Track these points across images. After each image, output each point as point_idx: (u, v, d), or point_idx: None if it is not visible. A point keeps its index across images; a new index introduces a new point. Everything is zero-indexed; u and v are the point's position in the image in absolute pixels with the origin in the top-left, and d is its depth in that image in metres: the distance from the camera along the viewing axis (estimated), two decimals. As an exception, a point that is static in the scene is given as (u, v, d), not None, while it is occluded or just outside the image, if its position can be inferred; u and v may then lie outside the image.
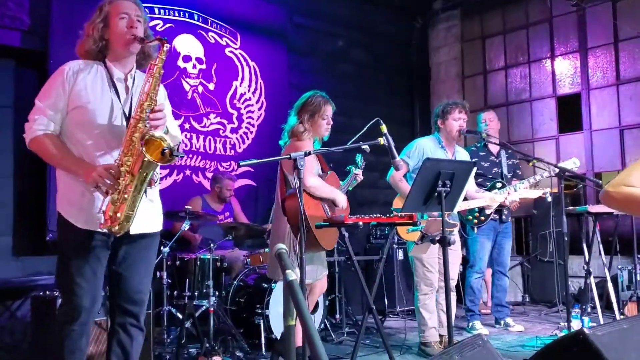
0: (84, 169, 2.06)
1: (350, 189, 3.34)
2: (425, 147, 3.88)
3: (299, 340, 2.74)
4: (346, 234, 2.82)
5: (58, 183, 2.20)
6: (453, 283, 3.86)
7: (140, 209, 2.10)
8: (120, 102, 2.18)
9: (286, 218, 2.86)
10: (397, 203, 3.89)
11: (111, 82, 2.18)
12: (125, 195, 2.02)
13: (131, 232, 2.13)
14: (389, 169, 3.73)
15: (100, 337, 3.08)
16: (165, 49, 2.11)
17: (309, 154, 2.39)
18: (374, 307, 2.79)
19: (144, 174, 2.03)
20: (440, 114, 3.96)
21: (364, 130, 2.68)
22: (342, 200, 3.10)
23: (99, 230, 2.08)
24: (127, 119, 2.16)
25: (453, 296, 3.82)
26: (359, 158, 3.29)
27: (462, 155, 4.09)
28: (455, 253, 3.89)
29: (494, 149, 4.71)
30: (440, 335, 3.82)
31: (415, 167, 3.80)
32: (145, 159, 1.99)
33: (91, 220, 2.10)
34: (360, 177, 3.25)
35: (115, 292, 2.22)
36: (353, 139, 2.70)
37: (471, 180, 3.94)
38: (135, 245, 2.20)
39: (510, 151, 4.74)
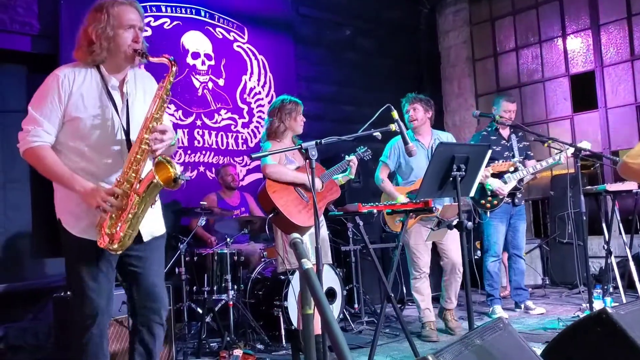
0: (80, 187, 2.02)
1: (352, 177, 3.48)
2: (399, 146, 4.02)
3: (317, 329, 2.75)
4: (360, 222, 2.81)
5: (55, 190, 2.17)
6: (460, 266, 3.98)
7: (150, 215, 2.12)
8: (117, 112, 2.12)
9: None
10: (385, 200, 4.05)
11: (107, 91, 2.12)
12: (129, 215, 2.01)
13: (144, 240, 2.15)
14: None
15: (122, 335, 3.12)
16: (173, 70, 2.09)
17: (320, 143, 2.38)
18: (392, 295, 2.78)
19: (149, 196, 2.03)
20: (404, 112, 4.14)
21: (375, 117, 2.66)
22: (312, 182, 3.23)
23: (91, 238, 2.07)
24: (126, 131, 2.13)
25: (460, 277, 4.03)
26: (360, 148, 3.53)
27: (444, 137, 4.16)
28: (452, 236, 3.96)
29: (505, 133, 4.66)
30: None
31: (396, 167, 4.11)
32: (154, 182, 1.99)
33: (88, 230, 2.08)
34: (354, 163, 3.42)
35: (133, 291, 2.22)
36: (364, 127, 2.68)
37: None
38: (148, 247, 2.20)
39: (520, 134, 4.68)
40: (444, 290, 4.10)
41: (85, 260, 2.09)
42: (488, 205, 4.45)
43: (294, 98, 3.49)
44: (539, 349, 2.27)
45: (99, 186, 2.04)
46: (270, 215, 3.15)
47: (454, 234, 3.87)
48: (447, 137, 4.22)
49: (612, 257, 4.49)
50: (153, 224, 2.21)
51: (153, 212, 2.19)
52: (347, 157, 3.45)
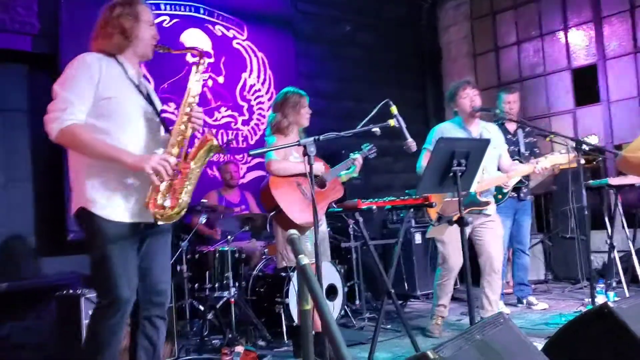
0: (131, 157, 2.06)
1: (356, 175, 3.38)
2: (444, 131, 3.85)
3: (318, 326, 2.75)
4: (360, 219, 2.80)
5: (81, 178, 2.14)
6: (498, 264, 3.78)
7: None
8: (142, 97, 2.22)
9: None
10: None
11: (128, 77, 2.21)
12: (187, 183, 2.13)
13: (160, 222, 2.15)
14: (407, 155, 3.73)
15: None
16: (204, 60, 2.32)
17: (319, 139, 2.37)
18: (392, 291, 2.78)
19: (204, 159, 2.18)
20: (450, 98, 3.94)
21: (373, 112, 2.64)
22: (316, 170, 3.18)
23: (134, 221, 2.12)
24: (157, 113, 2.24)
25: (497, 278, 3.79)
26: (365, 146, 3.39)
27: (492, 129, 3.97)
28: (493, 231, 3.80)
29: (511, 127, 4.64)
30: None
31: None
32: (210, 144, 2.15)
33: (124, 212, 2.11)
34: (359, 162, 3.34)
35: (139, 287, 2.22)
36: (362, 123, 2.66)
37: (505, 156, 3.94)
38: (157, 238, 2.24)
39: (527, 129, 4.65)
40: (482, 296, 3.82)
41: (119, 248, 2.09)
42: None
43: (298, 90, 3.38)
44: (540, 344, 2.26)
45: (152, 155, 2.11)
46: (272, 213, 3.10)
47: (492, 226, 3.77)
48: (493, 128, 4.03)
49: (615, 252, 4.48)
50: None
51: None
52: (352, 155, 3.35)
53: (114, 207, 2.09)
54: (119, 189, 2.10)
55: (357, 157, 3.33)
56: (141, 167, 2.03)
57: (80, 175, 2.14)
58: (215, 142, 2.16)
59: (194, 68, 2.29)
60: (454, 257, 3.76)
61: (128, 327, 2.26)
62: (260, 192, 3.24)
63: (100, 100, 2.10)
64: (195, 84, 2.27)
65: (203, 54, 2.29)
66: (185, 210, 2.15)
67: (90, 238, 2.12)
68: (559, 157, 3.75)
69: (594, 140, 3.88)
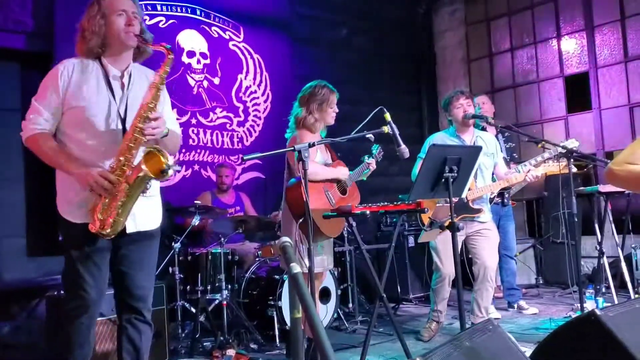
0: (76, 170, 2.08)
1: (365, 179, 3.32)
2: (437, 141, 3.91)
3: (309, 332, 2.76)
4: (354, 223, 2.82)
5: (57, 182, 2.23)
6: (491, 272, 3.77)
7: (138, 207, 2.14)
8: (115, 101, 2.19)
9: (288, 208, 2.92)
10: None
11: (107, 80, 2.19)
12: (119, 203, 2.06)
13: (127, 231, 2.16)
14: (401, 159, 3.75)
15: (115, 334, 3.12)
16: (169, 58, 2.15)
17: (313, 145, 2.39)
18: (384, 295, 2.80)
19: (140, 185, 2.07)
20: (445, 107, 4.01)
21: (367, 119, 2.67)
22: (342, 174, 3.15)
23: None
24: (123, 119, 2.18)
25: (490, 286, 3.78)
26: (374, 148, 3.31)
27: (487, 138, 4.00)
28: (488, 239, 3.80)
29: (491, 132, 4.67)
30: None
31: None
32: (141, 175, 2.03)
33: (88, 217, 2.12)
34: (373, 166, 3.26)
35: (118, 290, 2.27)
36: (357, 129, 2.68)
37: (501, 164, 3.98)
38: (136, 243, 2.22)
39: (507, 134, 4.70)
40: (472, 302, 3.85)
41: (83, 250, 2.13)
42: None
43: (328, 84, 3.21)
44: (530, 350, 2.29)
45: (94, 169, 2.09)
46: (300, 221, 2.86)
47: (487, 235, 3.78)
48: (489, 137, 4.05)
49: (605, 258, 4.52)
50: (143, 216, 2.22)
51: (145, 205, 2.22)
52: (366, 159, 3.26)
53: (77, 211, 2.13)
54: (79, 194, 2.12)
55: (372, 162, 3.26)
56: (80, 181, 2.07)
57: (57, 178, 2.22)
58: (143, 173, 2.03)
59: (156, 77, 2.16)
60: (447, 264, 3.79)
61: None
62: (288, 194, 2.96)
63: (69, 109, 2.14)
64: (153, 94, 2.13)
65: (170, 52, 2.17)
66: (119, 230, 2.09)
67: (63, 241, 2.20)
68: (550, 167, 3.83)
69: (572, 144, 3.92)
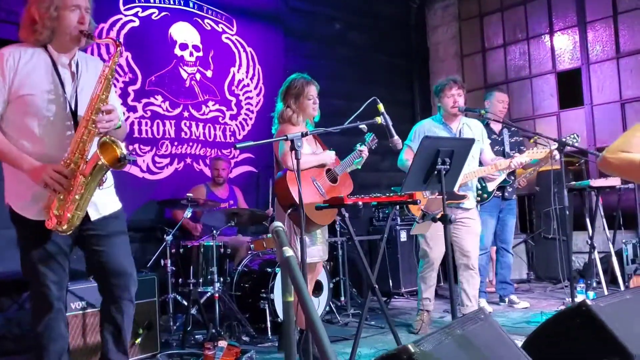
0: (29, 166, 2.03)
1: (359, 167, 3.29)
2: (424, 128, 3.97)
3: (302, 323, 2.76)
4: (346, 215, 2.82)
5: (5, 175, 2.17)
6: (473, 261, 3.84)
7: (96, 196, 2.12)
8: (65, 90, 2.13)
9: (277, 200, 2.95)
10: None
11: (55, 69, 2.12)
12: (77, 196, 2.02)
13: (92, 219, 2.15)
14: (394, 153, 3.84)
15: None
16: (118, 51, 2.09)
17: (306, 134, 2.38)
18: (376, 287, 2.80)
19: (97, 176, 2.04)
20: (436, 93, 4.02)
21: (360, 109, 2.67)
22: (327, 157, 3.15)
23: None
24: (74, 109, 2.13)
25: (474, 273, 3.87)
26: (368, 136, 3.29)
27: (473, 125, 4.02)
28: (470, 229, 3.85)
29: (496, 127, 4.70)
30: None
31: None
32: (99, 163, 2.00)
33: (42, 213, 2.09)
34: (365, 154, 3.24)
35: (98, 270, 2.23)
36: (350, 119, 2.68)
37: (487, 150, 4.02)
38: (103, 224, 2.20)
39: (513, 129, 4.71)
40: (461, 293, 3.89)
41: (41, 247, 2.09)
42: (478, 198, 4.48)
43: (304, 75, 3.22)
44: (520, 342, 2.30)
45: (47, 164, 2.04)
46: (290, 211, 2.91)
47: (469, 224, 3.82)
48: (475, 124, 4.05)
49: (596, 253, 4.55)
50: (101, 203, 2.20)
51: (103, 194, 2.19)
52: (358, 147, 3.23)
53: (29, 206, 2.09)
54: (33, 187, 2.07)
55: (364, 149, 3.24)
56: (34, 178, 2.02)
57: (5, 171, 2.16)
58: (101, 162, 2.00)
59: (106, 69, 2.11)
60: (435, 249, 3.86)
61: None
62: (276, 186, 3.03)
63: (17, 98, 2.07)
64: (104, 85, 2.09)
65: (119, 45, 2.11)
66: (77, 223, 2.06)
67: (17, 237, 2.16)
68: (535, 152, 3.88)
69: (575, 138, 3.95)
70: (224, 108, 5.47)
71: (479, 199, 4.48)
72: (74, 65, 2.18)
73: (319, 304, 4.22)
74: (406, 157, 3.90)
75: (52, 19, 2.08)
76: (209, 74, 5.39)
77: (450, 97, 3.86)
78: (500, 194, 4.54)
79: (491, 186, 4.40)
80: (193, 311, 3.92)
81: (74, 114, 2.12)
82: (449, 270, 2.87)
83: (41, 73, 2.10)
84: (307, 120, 3.22)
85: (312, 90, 3.18)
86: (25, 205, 2.10)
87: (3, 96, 2.06)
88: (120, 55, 2.12)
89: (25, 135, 2.08)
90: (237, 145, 2.30)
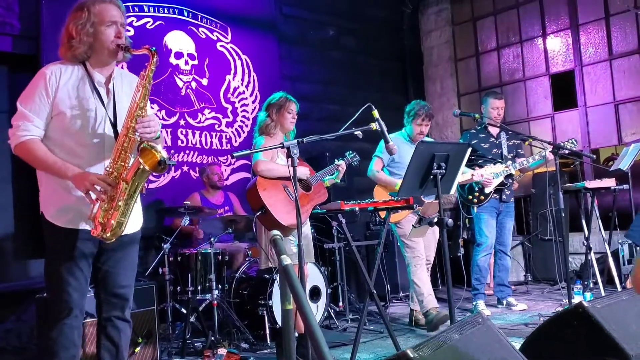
0: (72, 173, 2.07)
1: (338, 180, 3.50)
2: (396, 142, 4.09)
3: (301, 328, 2.77)
4: (343, 220, 2.83)
5: (40, 185, 2.21)
6: (429, 265, 4.13)
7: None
8: (104, 106, 2.18)
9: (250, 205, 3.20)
10: (377, 192, 4.19)
11: (93, 86, 2.17)
12: (120, 203, 2.07)
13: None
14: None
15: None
16: (154, 60, 2.14)
17: (302, 142, 2.40)
18: (375, 292, 2.81)
19: (137, 182, 2.08)
20: (407, 113, 4.26)
21: (355, 116, 2.69)
22: (300, 173, 3.29)
23: (83, 228, 2.12)
24: (113, 124, 2.18)
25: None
26: (349, 153, 3.60)
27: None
28: (432, 236, 4.10)
29: (494, 130, 4.72)
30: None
31: (389, 162, 4.23)
32: (141, 167, 2.04)
33: (75, 219, 2.12)
34: (343, 168, 3.48)
35: (100, 288, 2.26)
36: (345, 126, 2.70)
37: None
38: (120, 244, 2.22)
39: (511, 132, 4.75)
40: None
41: (67, 254, 2.12)
42: (475, 200, 4.51)
43: (288, 95, 3.48)
44: (518, 344, 2.32)
45: (91, 172, 2.09)
46: (258, 214, 3.14)
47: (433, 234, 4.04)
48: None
49: (592, 254, 4.57)
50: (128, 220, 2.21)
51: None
52: (336, 161, 3.49)
53: (62, 214, 2.13)
54: (69, 197, 2.12)
55: (341, 163, 3.47)
56: (78, 184, 2.06)
57: (40, 181, 2.21)
58: (142, 166, 2.04)
59: (143, 77, 2.16)
60: (420, 244, 4.04)
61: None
62: (247, 192, 3.27)
63: (57, 114, 2.12)
64: (142, 93, 2.14)
65: (155, 54, 2.15)
66: (122, 231, 2.11)
67: (46, 243, 2.18)
68: (494, 168, 4.34)
69: (570, 144, 3.99)
70: (220, 116, 5.49)
71: (476, 200, 4.51)
72: (112, 82, 2.23)
73: (317, 310, 4.22)
74: (376, 169, 4.19)
75: (88, 34, 2.14)
76: (204, 82, 5.41)
77: (419, 127, 4.18)
78: (497, 196, 4.57)
79: (488, 190, 4.44)
80: (192, 319, 3.92)
81: (114, 126, 2.18)
82: (447, 275, 2.89)
83: (80, 90, 2.15)
84: (284, 135, 3.44)
85: (293, 106, 3.44)
86: (56, 214, 2.14)
87: (47, 112, 2.12)
88: (157, 64, 2.16)
89: (65, 151, 2.13)
90: (235, 154, 2.32)
